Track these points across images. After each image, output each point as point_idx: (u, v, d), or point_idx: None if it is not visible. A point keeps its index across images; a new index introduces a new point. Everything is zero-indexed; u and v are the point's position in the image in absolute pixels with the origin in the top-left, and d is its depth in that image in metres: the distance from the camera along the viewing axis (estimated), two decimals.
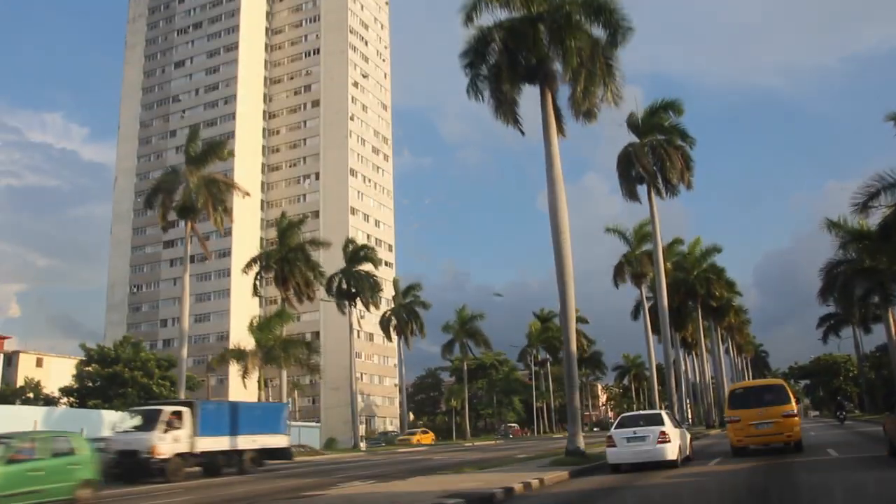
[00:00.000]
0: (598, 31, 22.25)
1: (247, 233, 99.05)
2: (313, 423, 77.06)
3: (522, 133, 23.86)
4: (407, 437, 68.94)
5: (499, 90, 22.77)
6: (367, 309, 69.07)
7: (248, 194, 56.72)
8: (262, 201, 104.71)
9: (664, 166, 38.95)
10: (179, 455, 24.46)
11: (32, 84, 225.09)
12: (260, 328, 40.24)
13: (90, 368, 56.13)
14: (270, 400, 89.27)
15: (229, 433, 27.28)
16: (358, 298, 68.17)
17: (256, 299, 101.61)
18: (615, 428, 19.32)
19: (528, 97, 23.88)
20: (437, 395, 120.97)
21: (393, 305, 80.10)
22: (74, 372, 59.26)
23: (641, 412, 24.13)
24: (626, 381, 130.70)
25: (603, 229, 59.98)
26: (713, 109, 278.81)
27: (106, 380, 54.98)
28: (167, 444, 23.92)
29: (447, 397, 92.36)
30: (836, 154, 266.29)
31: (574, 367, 21.60)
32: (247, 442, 28.01)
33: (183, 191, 50.45)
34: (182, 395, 46.84)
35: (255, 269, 60.16)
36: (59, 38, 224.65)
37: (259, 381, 37.96)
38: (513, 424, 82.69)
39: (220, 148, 52.95)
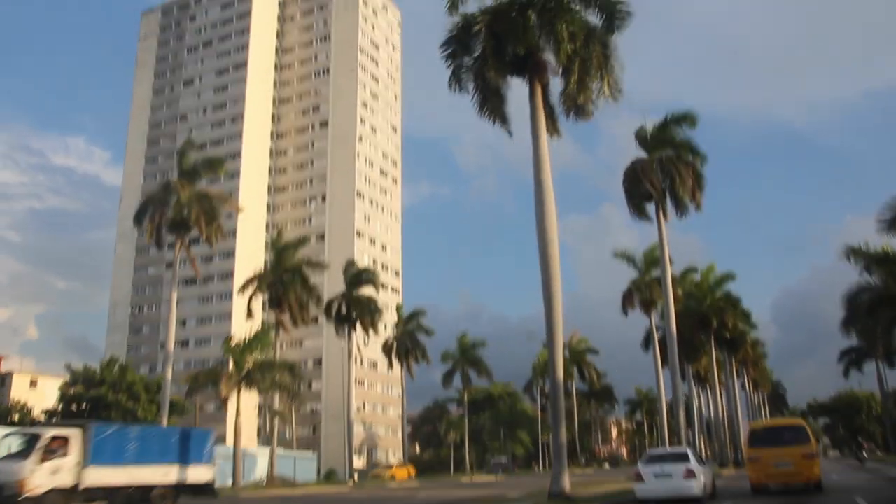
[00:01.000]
0: (594, 17, 19.83)
1: (251, 255, 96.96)
2: (310, 454, 74.32)
3: (510, 133, 21.44)
4: (382, 471, 65.55)
5: (484, 83, 20.36)
6: (367, 334, 66.48)
7: (241, 209, 54.62)
8: (267, 223, 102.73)
9: (674, 183, 36.34)
10: (60, 490, 20.18)
11: (58, 107, 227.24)
12: (239, 349, 37.50)
13: (73, 390, 53.83)
14: (267, 429, 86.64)
15: (133, 463, 22.95)
16: (358, 323, 65.97)
17: (260, 323, 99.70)
18: (643, 464, 20.15)
19: (520, 98, 21.40)
20: (441, 427, 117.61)
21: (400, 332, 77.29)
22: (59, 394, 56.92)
23: (668, 449, 25.20)
24: (638, 416, 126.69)
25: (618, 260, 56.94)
26: (731, 142, 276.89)
27: (89, 402, 52.65)
28: (42, 476, 19.70)
29: (445, 429, 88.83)
30: (855, 188, 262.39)
31: (559, 398, 18.90)
32: (156, 474, 23.66)
33: (174, 205, 48.68)
34: (165, 421, 44.43)
35: (251, 290, 58.19)
36: (84, 61, 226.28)
37: (238, 406, 35.25)
38: (502, 459, 78.05)
39: (215, 163, 50.98)
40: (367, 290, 66.64)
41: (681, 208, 37.02)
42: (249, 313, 58.57)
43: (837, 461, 74.42)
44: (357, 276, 66.99)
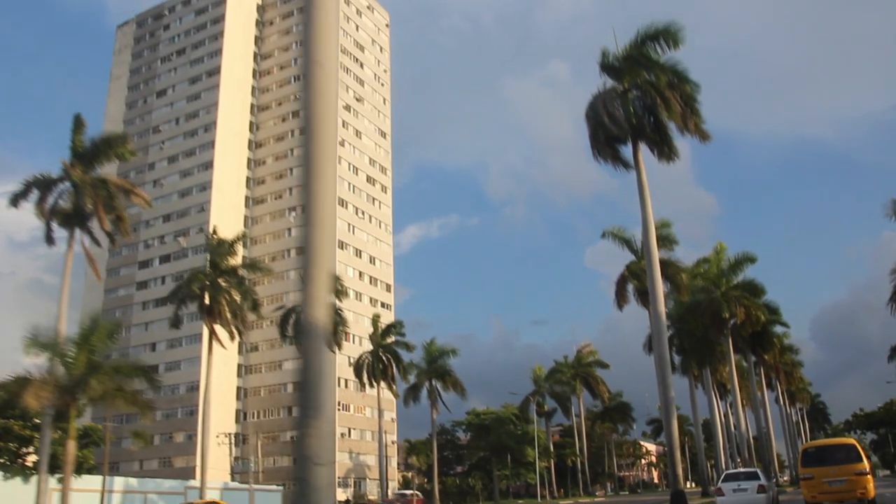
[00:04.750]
0: None
1: None
2: (273, 487, 65.32)
3: None
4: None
5: None
6: (330, 349, 57.63)
7: (148, 203, 46.12)
8: (244, 237, 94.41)
9: (657, 112, 27.27)
10: None
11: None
12: (59, 345, 28.25)
13: None
14: (233, 460, 77.64)
15: None
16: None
17: (235, 345, 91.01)
18: (723, 482, 24.99)
19: None
20: (449, 456, 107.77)
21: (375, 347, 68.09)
22: None
23: (741, 469, 30.11)
24: (663, 438, 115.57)
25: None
26: (761, 162, 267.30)
27: None
28: None
29: (406, 455, 78.36)
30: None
31: (315, 350, 9.52)
32: None
33: (69, 194, 40.93)
34: (45, 450, 35.65)
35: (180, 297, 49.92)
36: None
37: (71, 429, 26.30)
38: (406, 492, 64.78)
39: (115, 141, 42.66)
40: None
41: (666, 147, 27.85)
42: (176, 322, 50.38)
43: (889, 481, 63.90)
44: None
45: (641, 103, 28.32)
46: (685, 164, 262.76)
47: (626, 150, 29.08)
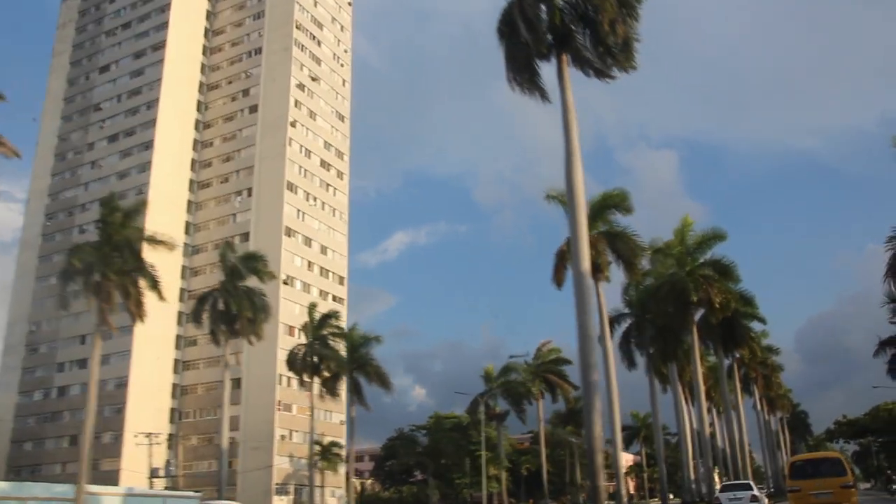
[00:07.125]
0: None
1: (165, 261, 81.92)
2: (189, 493, 58.43)
3: None
4: None
5: None
6: (247, 339, 50.97)
7: (16, 154, 39.52)
8: (187, 223, 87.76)
9: (584, 17, 21.02)
10: None
11: None
12: None
13: None
14: (173, 464, 70.69)
15: None
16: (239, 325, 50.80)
17: (172, 340, 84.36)
18: (721, 492, 29.64)
19: None
20: (410, 462, 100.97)
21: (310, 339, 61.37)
22: None
23: (735, 482, 35.59)
24: (637, 446, 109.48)
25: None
26: (749, 174, 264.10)
27: None
28: None
29: (314, 461, 70.53)
30: (876, 216, 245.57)
31: None
32: None
33: None
34: None
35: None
36: None
37: None
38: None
39: None
40: (251, 282, 52.05)
41: (604, 55, 21.58)
42: (64, 303, 43.95)
43: (871, 495, 58.13)
44: (240, 265, 52.22)
45: (571, 9, 22.07)
46: (673, 175, 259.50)
47: (551, 72, 22.78)
